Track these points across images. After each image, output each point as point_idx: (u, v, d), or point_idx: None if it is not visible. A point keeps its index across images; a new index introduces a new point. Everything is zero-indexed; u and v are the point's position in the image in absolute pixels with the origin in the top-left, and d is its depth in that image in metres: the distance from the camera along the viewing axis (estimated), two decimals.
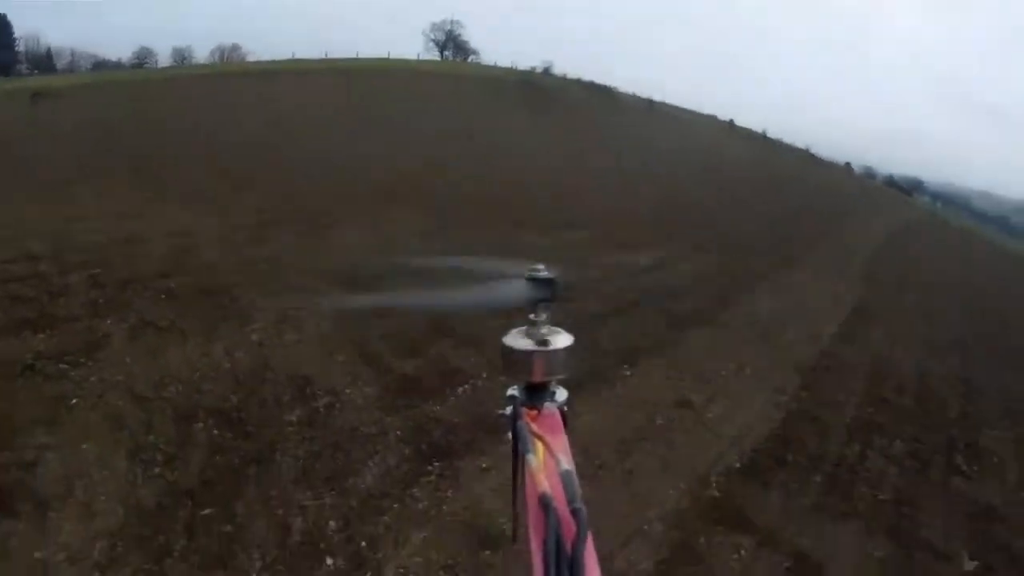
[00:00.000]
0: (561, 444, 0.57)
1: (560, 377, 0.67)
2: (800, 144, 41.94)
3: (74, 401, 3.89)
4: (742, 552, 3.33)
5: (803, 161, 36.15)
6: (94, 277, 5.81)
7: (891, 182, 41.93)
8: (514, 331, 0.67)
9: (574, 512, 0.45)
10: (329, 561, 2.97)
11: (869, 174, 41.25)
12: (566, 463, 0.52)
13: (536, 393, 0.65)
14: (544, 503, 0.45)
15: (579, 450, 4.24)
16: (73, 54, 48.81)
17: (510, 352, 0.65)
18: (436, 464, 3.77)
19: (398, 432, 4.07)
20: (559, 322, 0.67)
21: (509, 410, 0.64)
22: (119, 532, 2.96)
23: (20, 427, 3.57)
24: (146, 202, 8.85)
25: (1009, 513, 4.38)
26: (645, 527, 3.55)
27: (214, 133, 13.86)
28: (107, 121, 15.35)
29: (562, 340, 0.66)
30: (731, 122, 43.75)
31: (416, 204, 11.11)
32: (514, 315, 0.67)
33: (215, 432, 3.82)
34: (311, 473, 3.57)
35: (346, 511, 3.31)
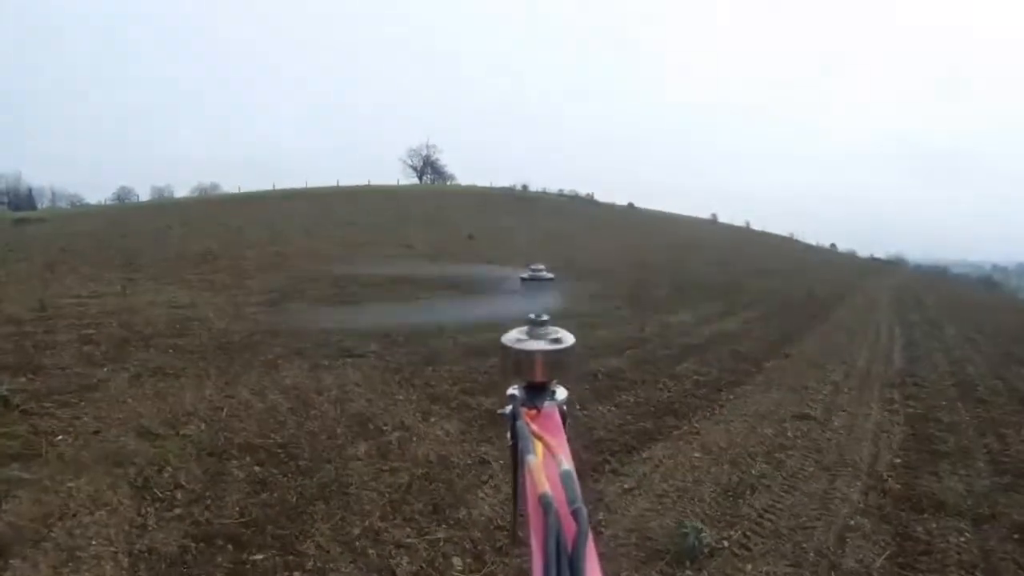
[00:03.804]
0: (561, 444, 0.51)
1: (560, 377, 0.60)
2: (782, 232, 43.21)
3: (60, 437, 2.81)
4: (965, 534, 2.77)
5: (790, 243, 37.03)
6: (86, 336, 4.82)
7: (874, 259, 42.68)
8: (514, 330, 0.59)
9: (574, 512, 0.40)
10: None
11: (852, 254, 42.16)
12: (566, 463, 0.46)
13: (536, 392, 0.58)
14: (544, 503, 0.40)
15: (728, 463, 3.32)
16: (54, 193, 47.59)
17: (510, 351, 0.57)
18: None
19: (501, 462, 3.02)
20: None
21: (508, 409, 0.57)
22: None
23: None
24: (139, 283, 7.96)
25: None
26: (851, 522, 2.78)
27: (210, 240, 13.21)
28: (92, 232, 14.67)
29: (562, 340, 0.58)
30: (714, 216, 44.87)
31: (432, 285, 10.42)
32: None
33: (256, 469, 2.74)
34: (403, 506, 2.48)
35: (470, 546, 2.21)
